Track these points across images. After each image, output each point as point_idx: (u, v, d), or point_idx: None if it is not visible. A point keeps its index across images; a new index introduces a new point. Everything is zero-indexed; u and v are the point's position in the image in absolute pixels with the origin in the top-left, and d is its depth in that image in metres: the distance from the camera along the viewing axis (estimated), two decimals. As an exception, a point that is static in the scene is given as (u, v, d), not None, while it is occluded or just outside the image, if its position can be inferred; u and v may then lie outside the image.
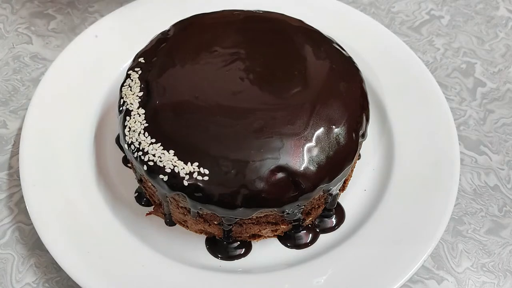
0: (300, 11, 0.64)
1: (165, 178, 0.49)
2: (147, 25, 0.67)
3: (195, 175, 0.49)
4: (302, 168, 0.49)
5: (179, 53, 0.56)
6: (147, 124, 0.51)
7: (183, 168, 0.49)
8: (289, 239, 0.58)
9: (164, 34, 0.59)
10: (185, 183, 0.49)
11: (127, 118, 0.52)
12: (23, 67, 0.71)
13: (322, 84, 0.54)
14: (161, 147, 0.50)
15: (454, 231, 0.60)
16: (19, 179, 0.57)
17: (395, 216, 0.57)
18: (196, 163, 0.49)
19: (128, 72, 0.56)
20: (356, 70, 0.57)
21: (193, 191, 0.49)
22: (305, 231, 0.58)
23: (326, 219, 0.59)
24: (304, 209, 0.54)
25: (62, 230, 0.54)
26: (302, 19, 0.61)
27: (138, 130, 0.51)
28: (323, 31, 0.60)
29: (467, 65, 0.74)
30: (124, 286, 0.51)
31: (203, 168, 0.49)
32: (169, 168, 0.49)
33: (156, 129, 0.51)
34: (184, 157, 0.49)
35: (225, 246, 0.57)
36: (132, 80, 0.55)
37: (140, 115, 0.52)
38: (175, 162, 0.49)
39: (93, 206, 0.57)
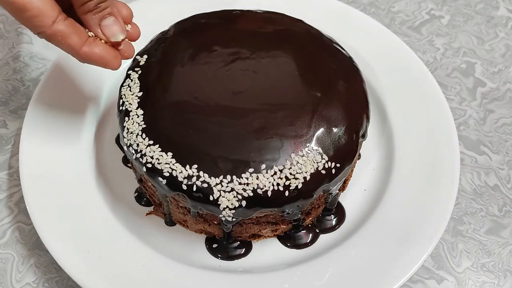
0: (300, 11, 0.64)
1: (164, 181, 0.49)
2: (147, 25, 0.66)
3: (193, 179, 0.49)
4: (301, 167, 0.49)
5: (178, 53, 0.56)
6: (145, 126, 0.51)
7: (181, 172, 0.49)
8: (289, 239, 0.58)
9: (164, 34, 0.59)
10: (184, 187, 0.49)
11: (126, 119, 0.52)
12: (23, 67, 0.71)
13: (322, 84, 0.54)
14: (159, 149, 0.50)
15: (454, 231, 0.60)
16: (19, 179, 0.57)
17: (395, 216, 0.57)
18: (195, 165, 0.49)
19: (128, 72, 0.56)
20: (356, 70, 0.57)
21: (193, 192, 0.49)
22: (305, 231, 0.58)
23: (326, 219, 0.59)
24: (304, 209, 0.54)
25: (62, 230, 0.54)
26: (302, 19, 0.61)
27: (136, 132, 0.51)
28: (323, 31, 0.60)
29: (467, 65, 0.74)
30: (124, 286, 0.51)
31: (203, 172, 0.49)
32: (167, 171, 0.49)
33: (154, 130, 0.51)
34: (183, 160, 0.49)
35: (225, 246, 0.57)
36: (131, 80, 0.55)
37: (138, 116, 0.52)
38: (173, 165, 0.49)
39: (93, 206, 0.57)
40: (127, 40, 0.50)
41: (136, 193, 0.60)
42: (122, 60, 0.68)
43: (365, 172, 0.62)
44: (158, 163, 0.49)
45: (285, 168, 0.49)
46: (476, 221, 0.61)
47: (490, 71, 0.73)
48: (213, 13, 0.61)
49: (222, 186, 0.48)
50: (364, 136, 0.54)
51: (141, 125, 0.51)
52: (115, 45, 0.50)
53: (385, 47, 0.68)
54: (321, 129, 0.51)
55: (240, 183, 0.48)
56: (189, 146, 0.50)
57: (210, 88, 0.54)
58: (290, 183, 0.49)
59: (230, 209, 0.49)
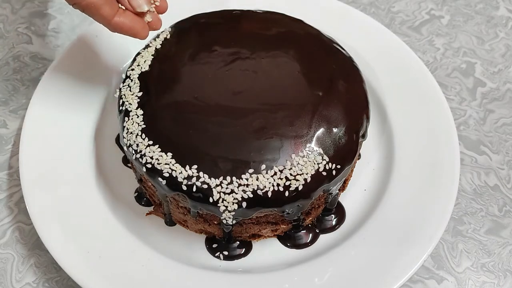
0: (300, 11, 0.64)
1: (163, 182, 0.49)
2: (147, 25, 0.66)
3: (193, 179, 0.49)
4: (301, 168, 0.49)
5: (178, 53, 0.56)
6: (144, 126, 0.51)
7: (181, 173, 0.49)
8: (289, 239, 0.58)
9: (164, 34, 0.59)
10: (184, 187, 0.49)
11: (126, 119, 0.52)
12: (23, 67, 0.71)
13: (322, 84, 0.54)
14: (159, 149, 0.50)
15: (454, 231, 0.60)
16: (19, 179, 0.57)
17: (395, 216, 0.57)
18: (195, 166, 0.49)
19: (128, 72, 0.56)
20: (356, 70, 0.57)
21: (193, 192, 0.49)
22: (305, 231, 0.58)
23: (326, 219, 0.59)
24: (304, 209, 0.54)
25: (62, 230, 0.54)
26: (302, 19, 0.61)
27: (136, 132, 0.51)
28: (323, 31, 0.60)
29: (467, 65, 0.74)
30: (124, 286, 0.51)
31: (202, 173, 0.49)
32: (167, 172, 0.49)
33: (153, 130, 0.51)
34: (182, 160, 0.49)
35: (225, 246, 0.57)
36: (131, 80, 0.55)
37: (138, 116, 0.52)
38: (172, 165, 0.49)
39: (93, 206, 0.57)
40: (155, 12, 0.54)
41: (136, 193, 0.60)
42: (122, 60, 0.68)
43: (365, 172, 0.62)
44: (158, 164, 0.49)
45: (285, 168, 0.49)
46: (476, 221, 0.61)
47: (490, 71, 0.73)
48: (213, 13, 0.61)
49: (222, 187, 0.48)
50: (364, 136, 0.54)
51: (140, 125, 0.51)
52: (141, 16, 0.53)
53: (385, 47, 0.68)
54: (321, 129, 0.51)
55: (240, 185, 0.48)
56: (189, 147, 0.50)
57: (210, 88, 0.54)
58: (290, 183, 0.49)
59: (230, 211, 0.49)
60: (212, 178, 0.48)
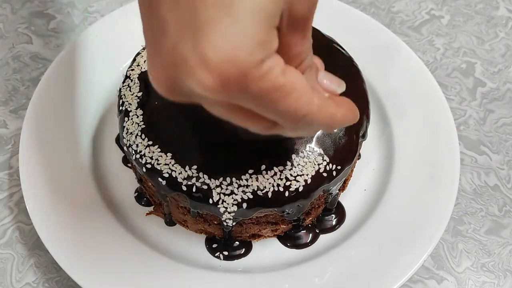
0: (300, 11, 0.64)
1: (163, 182, 0.49)
2: (147, 25, 0.66)
3: (193, 180, 0.49)
4: (302, 169, 0.49)
5: (179, 53, 0.56)
6: (144, 126, 0.51)
7: (181, 173, 0.49)
8: (289, 239, 0.58)
9: (164, 34, 0.59)
10: (184, 187, 0.49)
11: (126, 119, 0.52)
12: (23, 67, 0.71)
13: (322, 84, 0.54)
14: (158, 149, 0.50)
15: (454, 231, 0.60)
16: (19, 179, 0.57)
17: (395, 216, 0.57)
18: (195, 166, 0.49)
19: (128, 72, 0.56)
20: (356, 70, 0.57)
21: (193, 192, 0.49)
22: (305, 231, 0.58)
23: (326, 219, 0.59)
24: (304, 209, 0.54)
25: (62, 230, 0.54)
26: (302, 19, 0.61)
27: (135, 132, 0.51)
28: (323, 31, 0.60)
29: (467, 65, 0.74)
30: (124, 286, 0.52)
31: (202, 173, 0.49)
32: (167, 172, 0.49)
33: (153, 131, 0.51)
34: (182, 160, 0.49)
35: (225, 246, 0.57)
36: (131, 80, 0.55)
37: (138, 116, 0.52)
38: (172, 166, 0.49)
39: (93, 206, 0.57)
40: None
41: (136, 193, 0.60)
42: (122, 60, 0.68)
43: (365, 172, 0.62)
44: (158, 164, 0.49)
45: (285, 169, 0.49)
46: (476, 221, 0.61)
47: (490, 71, 0.73)
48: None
49: (221, 188, 0.48)
50: (364, 136, 0.54)
51: (140, 126, 0.51)
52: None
53: (385, 47, 0.68)
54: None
55: (240, 185, 0.48)
56: (188, 147, 0.50)
57: (210, 88, 0.53)
58: (290, 184, 0.49)
59: (230, 212, 0.49)
60: (212, 179, 0.48)
